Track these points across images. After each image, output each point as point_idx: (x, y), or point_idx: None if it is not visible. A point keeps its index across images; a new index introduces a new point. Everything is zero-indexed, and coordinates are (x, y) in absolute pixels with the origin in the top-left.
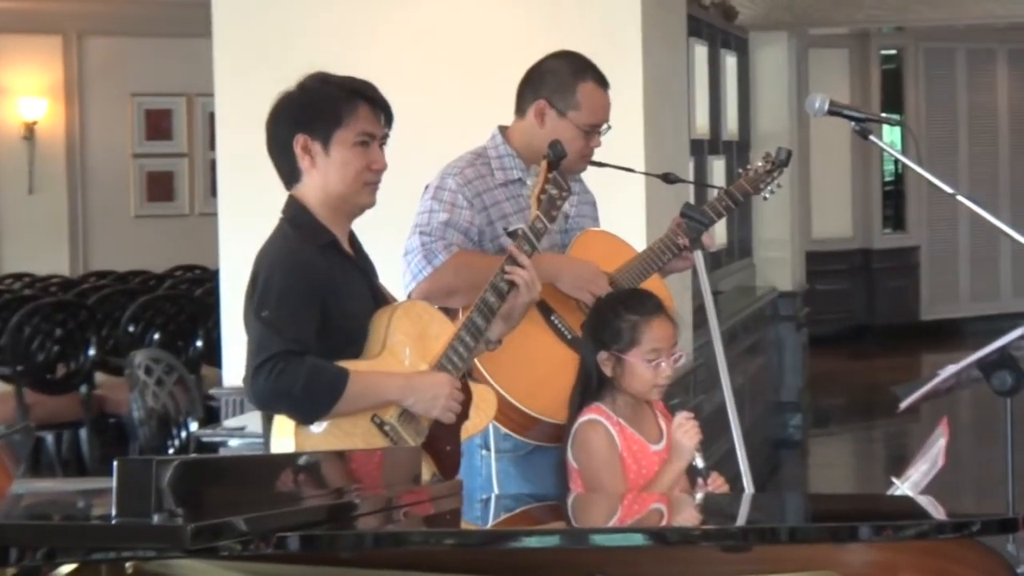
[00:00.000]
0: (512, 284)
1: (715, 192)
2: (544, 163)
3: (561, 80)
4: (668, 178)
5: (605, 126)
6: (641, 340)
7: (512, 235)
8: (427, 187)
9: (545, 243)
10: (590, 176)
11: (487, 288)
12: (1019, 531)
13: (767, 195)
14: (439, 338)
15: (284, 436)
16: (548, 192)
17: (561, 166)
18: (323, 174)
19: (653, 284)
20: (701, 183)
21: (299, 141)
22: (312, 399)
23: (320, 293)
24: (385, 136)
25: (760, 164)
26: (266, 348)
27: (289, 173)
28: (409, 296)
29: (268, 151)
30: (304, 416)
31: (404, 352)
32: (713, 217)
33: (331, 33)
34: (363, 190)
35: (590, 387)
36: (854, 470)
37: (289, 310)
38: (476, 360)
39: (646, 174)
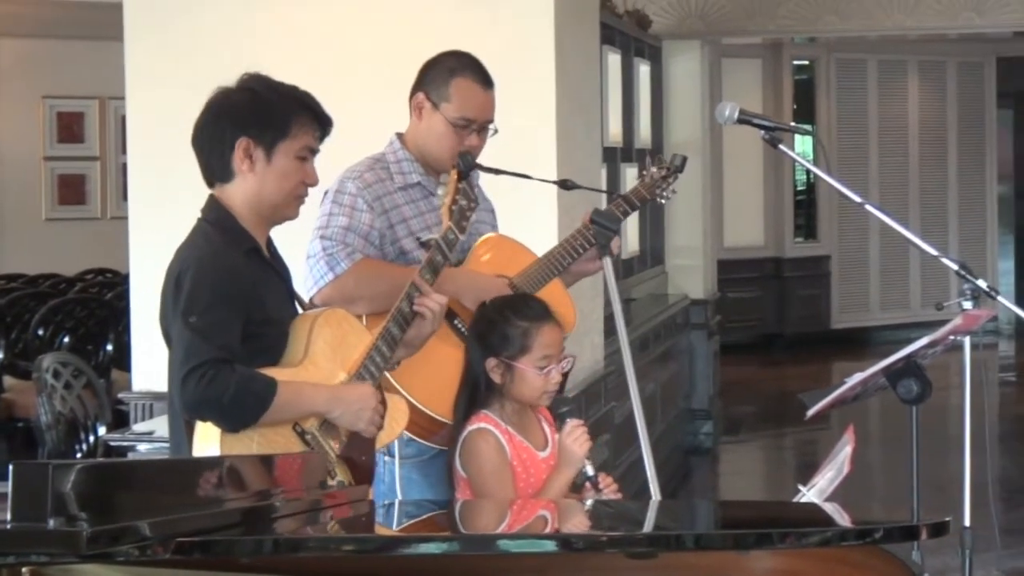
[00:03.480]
0: (416, 314)
1: (614, 198)
2: (454, 173)
3: (438, 73)
4: (566, 184)
5: (492, 129)
6: (532, 347)
7: (425, 245)
8: (326, 192)
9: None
10: (500, 182)
11: (402, 297)
12: (921, 539)
13: (663, 200)
14: (356, 347)
15: (208, 443)
16: (459, 203)
17: (436, 165)
18: (260, 181)
19: (554, 289)
20: (598, 189)
21: (242, 144)
22: (241, 408)
23: (244, 299)
24: (318, 151)
25: (655, 170)
26: (195, 355)
27: (219, 172)
28: (311, 301)
29: (197, 145)
30: (232, 424)
31: (324, 360)
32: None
33: (243, 37)
34: (293, 203)
35: (477, 394)
36: (764, 477)
37: (217, 316)
38: None
39: (542, 180)
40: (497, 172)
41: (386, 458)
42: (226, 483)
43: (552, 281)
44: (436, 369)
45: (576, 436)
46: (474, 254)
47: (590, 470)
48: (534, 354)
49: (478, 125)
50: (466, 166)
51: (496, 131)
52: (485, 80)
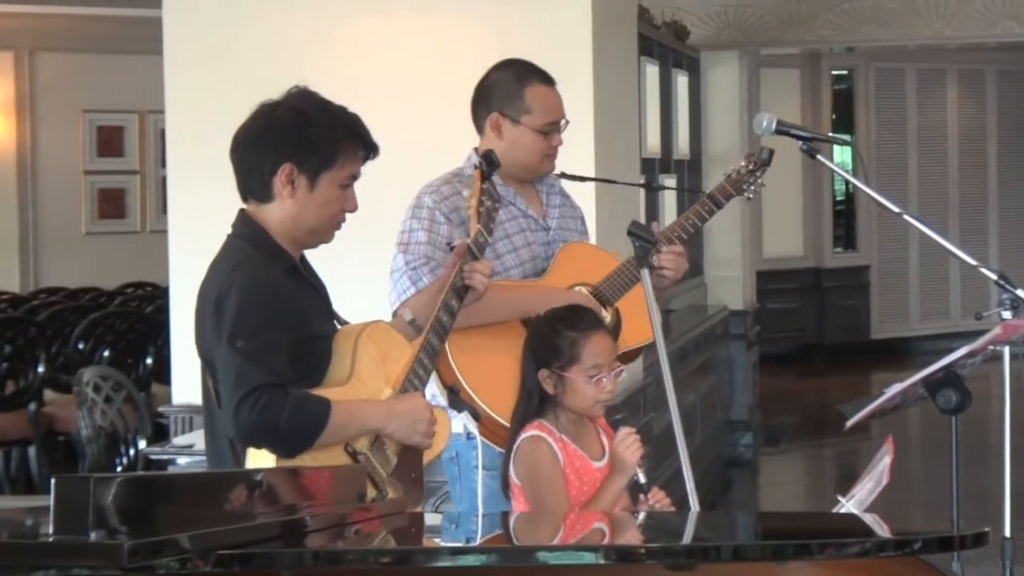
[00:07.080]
0: (469, 287)
1: (700, 198)
2: (477, 174)
3: (507, 89)
4: (651, 186)
5: (563, 122)
6: (581, 357)
7: (454, 249)
8: (408, 208)
9: (526, 254)
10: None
11: (440, 309)
12: (960, 549)
13: (750, 195)
14: (399, 361)
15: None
16: (485, 204)
17: (527, 174)
18: (300, 207)
19: (639, 295)
20: (685, 188)
21: (285, 170)
22: (298, 431)
23: (289, 317)
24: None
25: (743, 164)
26: (246, 381)
27: (257, 191)
28: (395, 315)
29: (236, 158)
30: (289, 449)
31: (370, 377)
32: (690, 229)
33: (281, 50)
34: (331, 229)
35: (532, 405)
36: (805, 488)
37: (266, 340)
38: (464, 382)
39: (626, 184)
40: (582, 179)
41: (482, 472)
42: (265, 497)
43: (636, 286)
44: (512, 381)
45: (628, 444)
46: (556, 260)
47: (642, 478)
48: (584, 364)
49: (559, 124)
50: (489, 166)
51: (568, 122)
52: (549, 80)
